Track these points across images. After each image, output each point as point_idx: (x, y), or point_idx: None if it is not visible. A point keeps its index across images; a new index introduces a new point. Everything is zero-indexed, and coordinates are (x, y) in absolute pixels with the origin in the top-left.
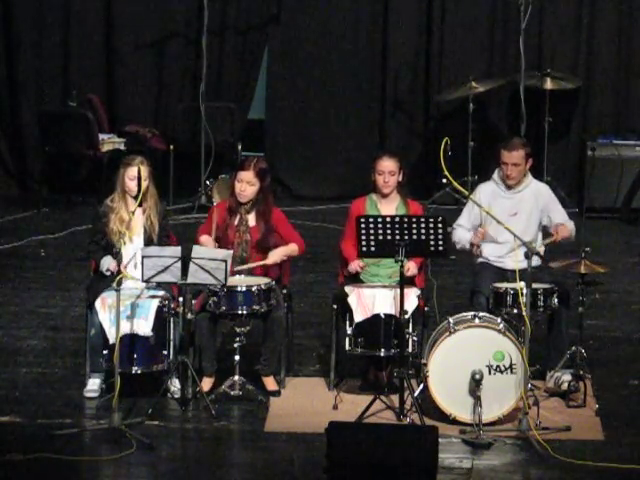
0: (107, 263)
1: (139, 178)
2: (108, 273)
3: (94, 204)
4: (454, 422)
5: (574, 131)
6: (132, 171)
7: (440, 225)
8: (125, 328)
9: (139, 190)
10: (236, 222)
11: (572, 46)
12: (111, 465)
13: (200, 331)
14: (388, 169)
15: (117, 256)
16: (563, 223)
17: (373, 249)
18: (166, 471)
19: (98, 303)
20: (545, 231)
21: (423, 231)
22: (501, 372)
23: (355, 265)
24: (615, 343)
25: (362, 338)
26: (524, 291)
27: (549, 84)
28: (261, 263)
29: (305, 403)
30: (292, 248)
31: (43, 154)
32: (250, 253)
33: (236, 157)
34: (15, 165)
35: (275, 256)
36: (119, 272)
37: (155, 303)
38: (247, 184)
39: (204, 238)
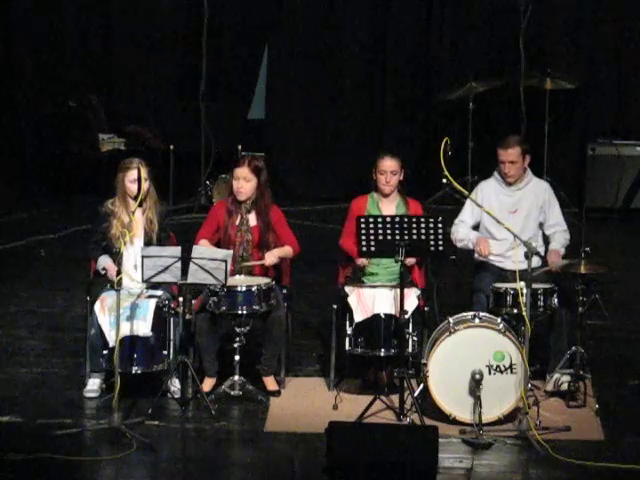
0: (103, 262)
1: (139, 179)
2: (104, 272)
3: (95, 204)
4: (454, 422)
5: (574, 131)
6: (132, 174)
7: (440, 225)
8: (125, 330)
9: (139, 191)
10: (237, 222)
11: (572, 46)
12: (111, 465)
13: (200, 331)
14: (390, 169)
15: (116, 257)
16: (556, 251)
17: (373, 249)
18: (166, 471)
19: (97, 306)
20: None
21: (423, 231)
22: (501, 372)
23: (361, 260)
24: (615, 343)
25: (362, 338)
26: (524, 291)
27: (549, 84)
28: (259, 262)
29: (305, 403)
30: (286, 250)
31: (43, 154)
32: (252, 253)
33: (236, 157)
34: (15, 165)
35: (272, 257)
36: (119, 272)
37: (153, 303)
38: (244, 180)
39: (203, 242)
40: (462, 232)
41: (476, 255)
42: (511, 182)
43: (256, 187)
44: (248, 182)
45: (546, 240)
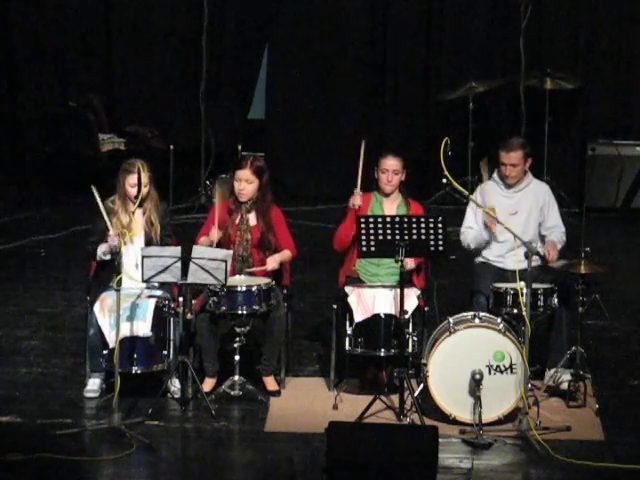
0: (102, 248)
1: (139, 183)
2: (107, 257)
3: (95, 204)
4: (454, 422)
5: (574, 131)
6: (132, 178)
7: (440, 225)
8: (124, 330)
9: (139, 193)
10: (237, 221)
11: (572, 46)
12: (111, 465)
13: (200, 331)
14: (392, 168)
15: (116, 256)
16: (552, 242)
17: (373, 249)
18: (166, 471)
19: (97, 307)
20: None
21: (423, 231)
22: (501, 372)
23: (354, 199)
24: (615, 343)
25: (362, 338)
26: (524, 291)
27: (549, 84)
28: (262, 268)
29: (305, 403)
30: (286, 254)
31: (43, 154)
32: (251, 252)
33: (236, 157)
34: (15, 165)
35: (273, 262)
36: (119, 272)
37: (152, 303)
38: (245, 182)
39: (203, 239)
40: (471, 235)
41: (477, 258)
42: (511, 184)
43: (258, 188)
44: (250, 184)
45: (543, 241)
